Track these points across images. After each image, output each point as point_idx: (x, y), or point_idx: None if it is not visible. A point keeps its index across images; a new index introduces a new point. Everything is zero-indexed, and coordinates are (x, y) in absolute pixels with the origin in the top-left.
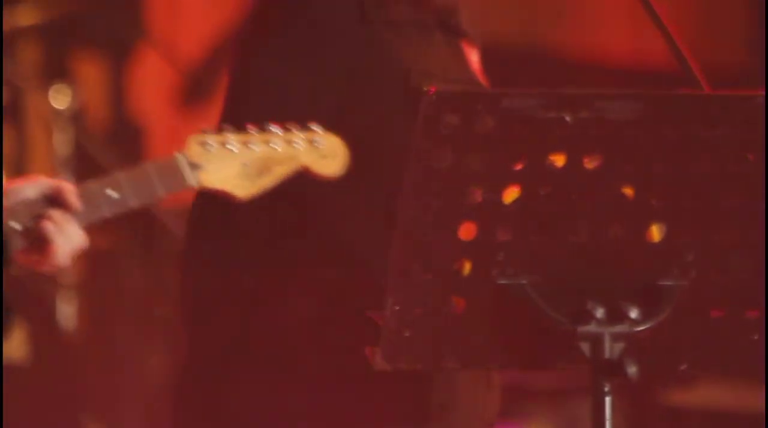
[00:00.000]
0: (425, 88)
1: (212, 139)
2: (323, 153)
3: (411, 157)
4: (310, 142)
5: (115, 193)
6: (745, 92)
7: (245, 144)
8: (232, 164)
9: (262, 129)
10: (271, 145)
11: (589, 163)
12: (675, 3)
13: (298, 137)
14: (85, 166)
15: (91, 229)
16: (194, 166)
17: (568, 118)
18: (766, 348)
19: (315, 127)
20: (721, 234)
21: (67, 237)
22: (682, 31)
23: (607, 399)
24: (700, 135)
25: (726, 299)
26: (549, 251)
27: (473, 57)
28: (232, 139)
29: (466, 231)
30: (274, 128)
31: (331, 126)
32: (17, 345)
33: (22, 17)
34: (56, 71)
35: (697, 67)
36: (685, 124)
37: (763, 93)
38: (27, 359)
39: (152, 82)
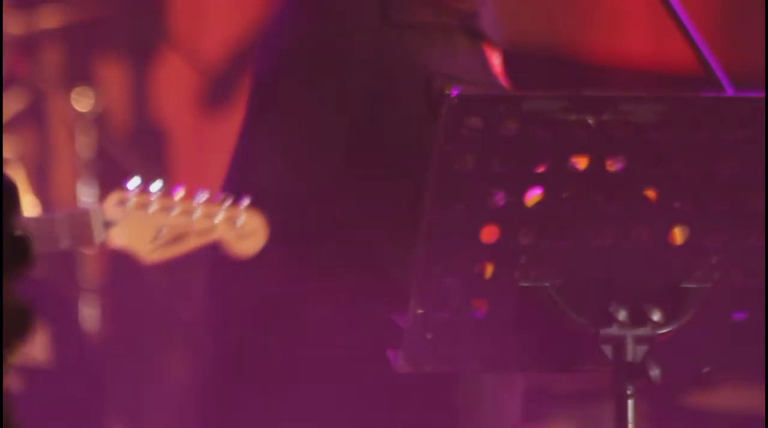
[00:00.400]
0: (447, 91)
1: (132, 199)
2: (242, 231)
3: (433, 160)
4: (231, 218)
5: None
6: None
7: (165, 209)
8: (147, 226)
9: (190, 197)
10: (190, 215)
11: (612, 166)
12: (697, 4)
13: (220, 211)
14: (107, 169)
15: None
16: (108, 223)
17: (590, 121)
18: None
19: (243, 203)
20: (744, 237)
21: None
22: (705, 33)
23: (630, 402)
24: (723, 137)
25: (749, 301)
26: (571, 254)
27: (495, 60)
28: (153, 202)
29: (489, 234)
30: (201, 198)
31: (354, 129)
32: (40, 348)
33: (45, 20)
34: (79, 74)
35: (719, 68)
36: (708, 126)
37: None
38: (50, 361)
39: (175, 84)
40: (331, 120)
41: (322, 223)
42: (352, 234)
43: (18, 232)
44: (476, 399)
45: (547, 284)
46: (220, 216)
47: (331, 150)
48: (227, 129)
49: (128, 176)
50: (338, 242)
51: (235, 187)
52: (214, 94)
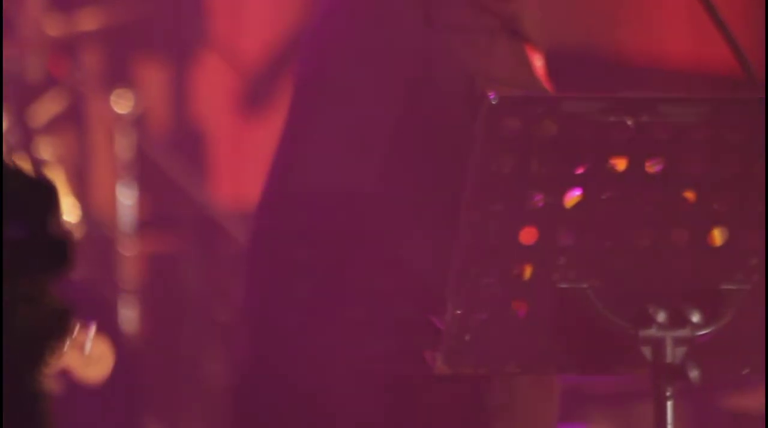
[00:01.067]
0: (487, 93)
1: None
2: (89, 357)
3: (472, 162)
4: (78, 345)
5: None
6: None
7: None
8: None
9: None
10: None
11: (651, 167)
12: (736, 3)
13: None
14: (147, 171)
15: (152, 233)
16: None
17: (629, 122)
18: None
19: (91, 330)
20: None
21: None
22: (744, 33)
23: (669, 404)
24: (762, 138)
25: None
26: (610, 255)
27: (537, 62)
28: None
29: (528, 235)
30: None
31: (396, 130)
32: None
33: (84, 22)
34: (118, 76)
35: (759, 69)
36: (747, 127)
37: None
38: None
39: (214, 86)
40: (372, 121)
41: (361, 225)
42: (391, 235)
43: (58, 234)
44: (511, 399)
45: (585, 285)
46: (67, 344)
47: (372, 152)
48: (267, 131)
49: (167, 178)
50: (377, 243)
51: (275, 189)
52: (254, 95)
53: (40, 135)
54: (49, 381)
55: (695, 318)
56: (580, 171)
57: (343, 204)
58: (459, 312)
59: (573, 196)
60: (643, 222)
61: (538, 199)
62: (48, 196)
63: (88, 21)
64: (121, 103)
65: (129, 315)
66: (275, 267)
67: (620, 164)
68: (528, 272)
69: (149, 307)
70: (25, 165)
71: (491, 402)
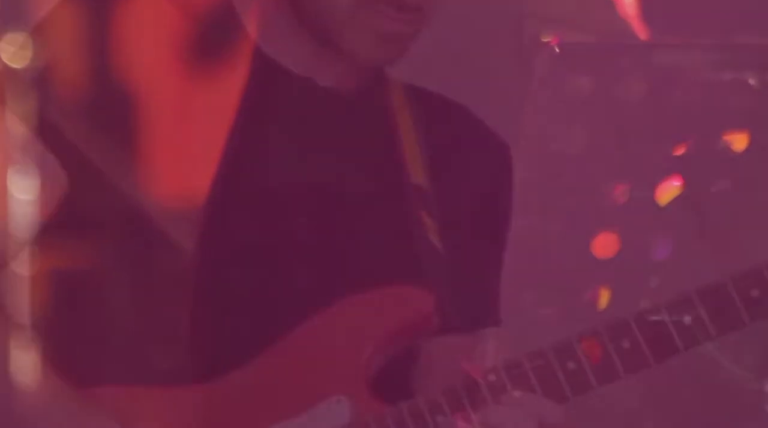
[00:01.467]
0: (544, 39)
1: None
2: None
3: (524, 136)
4: None
5: None
6: None
7: None
8: None
9: None
10: None
11: None
12: None
13: None
14: (53, 148)
15: (60, 241)
16: None
17: (752, 81)
18: None
19: None
20: None
21: None
22: None
23: None
24: None
25: None
26: (722, 273)
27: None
28: None
29: (604, 244)
30: None
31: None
32: None
33: None
34: (10, 15)
35: None
36: None
37: None
38: None
39: (150, 30)
40: (417, 70)
41: (327, 226)
42: (363, 240)
43: None
44: None
45: (688, 319)
46: None
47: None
48: (219, 93)
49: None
50: (345, 250)
51: (228, 181)
52: (206, 45)
53: None
54: None
55: None
56: (679, 151)
57: (306, 202)
58: (504, 355)
59: (670, 188)
60: None
61: (620, 192)
62: None
63: None
64: (15, 53)
65: (25, 362)
66: (223, 280)
67: (739, 142)
68: (604, 298)
69: (58, 346)
70: None
71: None
